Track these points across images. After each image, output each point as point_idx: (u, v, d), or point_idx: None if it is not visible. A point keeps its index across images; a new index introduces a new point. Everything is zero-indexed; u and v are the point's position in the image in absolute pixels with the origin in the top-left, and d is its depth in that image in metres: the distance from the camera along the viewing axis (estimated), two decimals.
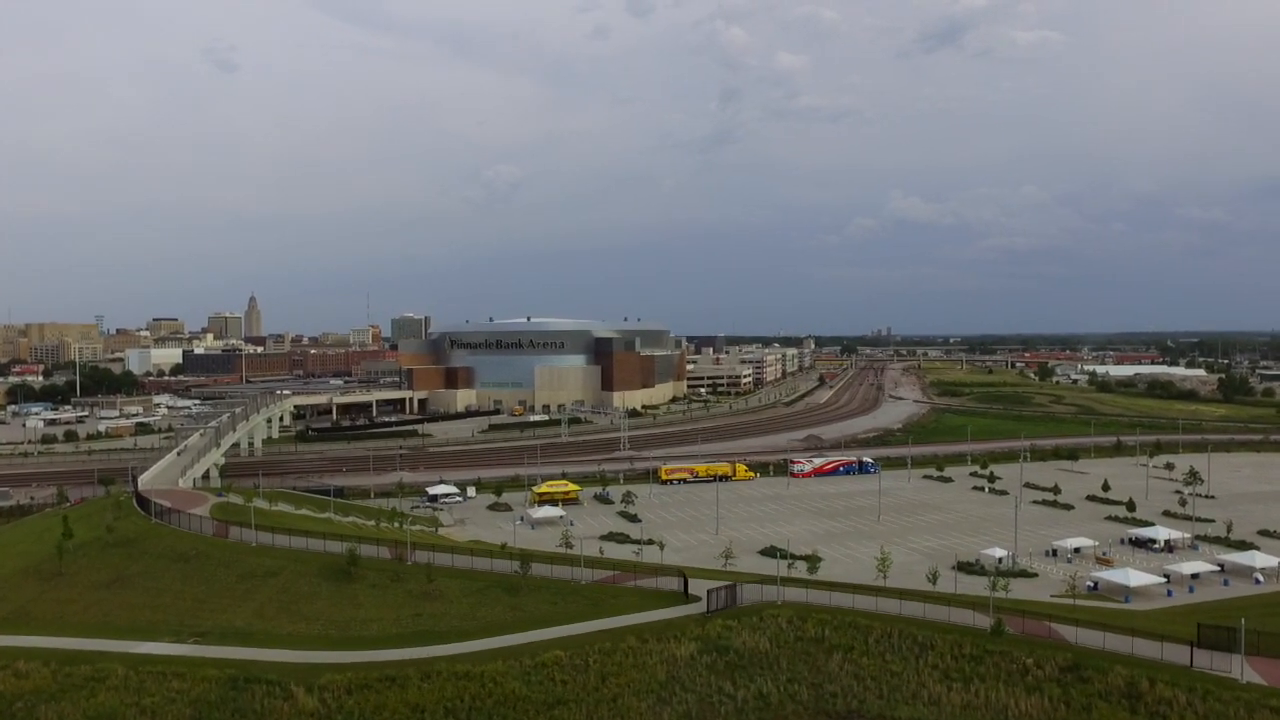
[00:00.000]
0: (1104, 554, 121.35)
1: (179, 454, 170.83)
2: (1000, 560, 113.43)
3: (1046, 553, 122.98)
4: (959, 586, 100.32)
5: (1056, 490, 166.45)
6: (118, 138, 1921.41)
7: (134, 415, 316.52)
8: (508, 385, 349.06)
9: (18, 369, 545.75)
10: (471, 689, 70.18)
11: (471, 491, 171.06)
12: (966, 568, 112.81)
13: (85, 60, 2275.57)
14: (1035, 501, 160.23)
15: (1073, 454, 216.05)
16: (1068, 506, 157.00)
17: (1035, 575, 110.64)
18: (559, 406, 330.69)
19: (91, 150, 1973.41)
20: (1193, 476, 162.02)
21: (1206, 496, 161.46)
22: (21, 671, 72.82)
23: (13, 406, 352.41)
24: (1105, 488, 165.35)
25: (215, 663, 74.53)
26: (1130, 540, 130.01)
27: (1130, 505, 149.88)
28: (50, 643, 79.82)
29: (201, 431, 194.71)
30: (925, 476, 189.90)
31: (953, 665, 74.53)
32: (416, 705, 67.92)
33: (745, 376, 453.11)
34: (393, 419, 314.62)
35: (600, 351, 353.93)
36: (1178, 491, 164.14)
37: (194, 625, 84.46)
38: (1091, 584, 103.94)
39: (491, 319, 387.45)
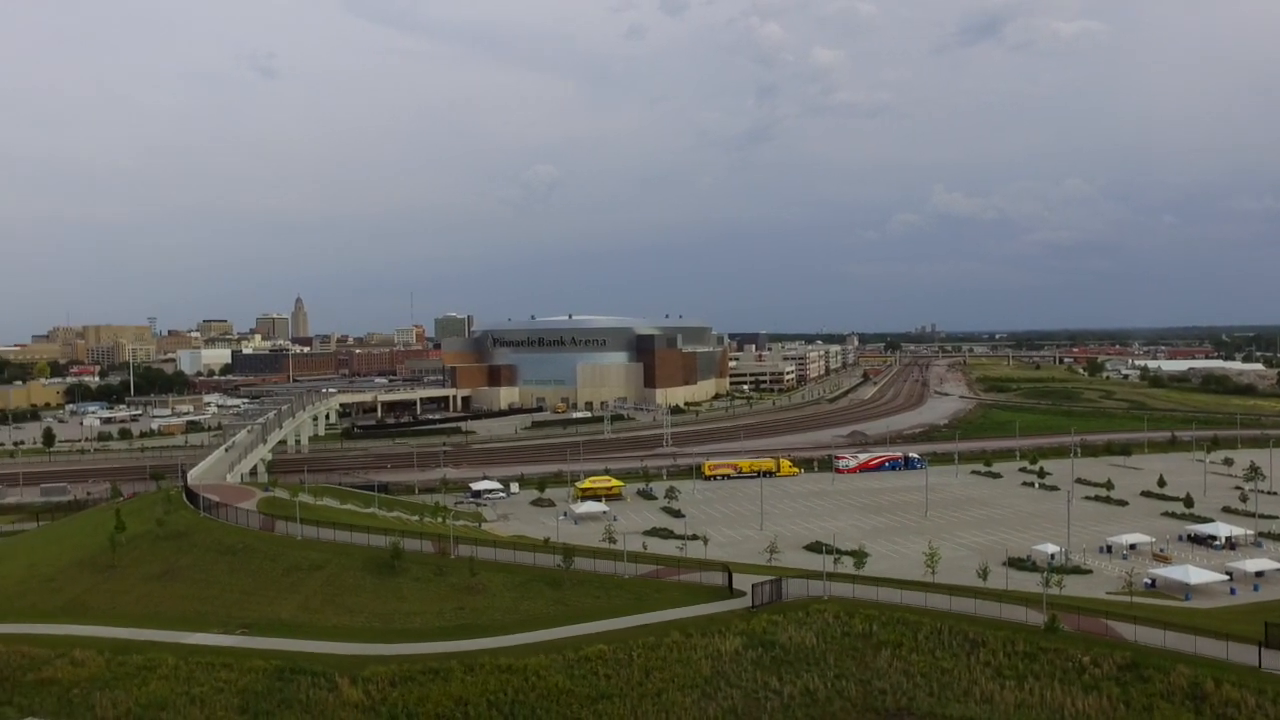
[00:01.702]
0: (1161, 550, 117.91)
1: (227, 450, 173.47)
2: (1053, 556, 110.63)
3: (1100, 549, 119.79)
4: (1010, 583, 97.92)
5: (1109, 486, 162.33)
6: (164, 145, 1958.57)
7: (185, 414, 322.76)
8: (550, 383, 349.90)
9: (76, 370, 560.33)
10: (514, 682, 69.89)
11: (515, 487, 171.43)
12: (1017, 564, 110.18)
13: (131, 72, 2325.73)
14: (1087, 497, 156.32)
15: (1125, 449, 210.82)
16: (1121, 502, 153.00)
17: (1089, 572, 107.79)
18: (601, 404, 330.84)
19: (139, 158, 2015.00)
20: (1254, 472, 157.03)
21: (1269, 493, 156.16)
22: (78, 660, 74.21)
23: (71, 406, 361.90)
24: (1161, 483, 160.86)
25: (262, 654, 75.15)
26: (1189, 537, 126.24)
27: (1188, 501, 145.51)
28: (104, 632, 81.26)
29: (249, 428, 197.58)
30: (973, 472, 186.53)
31: (1005, 663, 72.64)
32: (459, 698, 67.77)
33: (788, 373, 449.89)
34: (436, 417, 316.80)
35: (642, 349, 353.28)
36: (1238, 487, 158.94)
37: (241, 617, 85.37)
38: (1149, 581, 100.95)
39: (534, 317, 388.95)
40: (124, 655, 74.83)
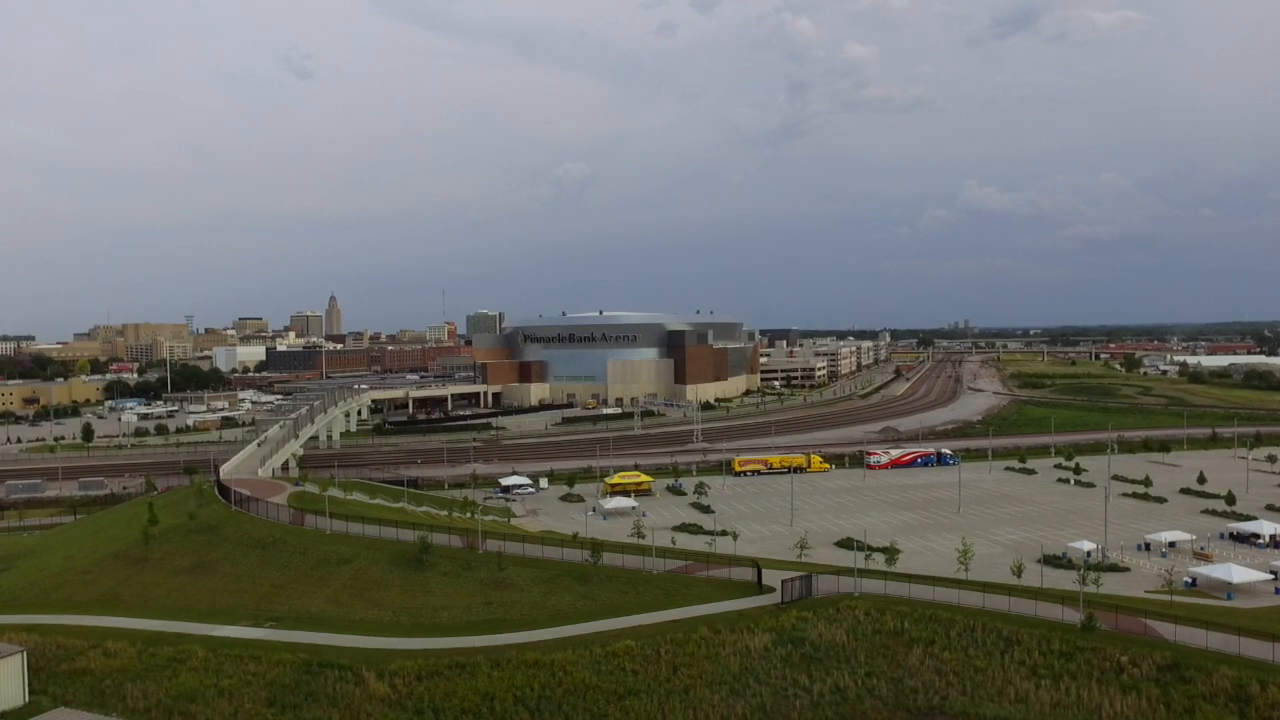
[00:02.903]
0: (1202, 548, 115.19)
1: (259, 445, 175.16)
2: (1089, 554, 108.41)
3: (1139, 547, 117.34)
4: (1045, 580, 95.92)
5: (1147, 483, 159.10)
6: (201, 146, 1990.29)
7: (220, 410, 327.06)
8: (580, 379, 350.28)
9: (115, 367, 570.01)
10: (541, 677, 69.45)
11: (544, 483, 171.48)
12: (1053, 561, 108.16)
13: (171, 75, 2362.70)
14: (1125, 494, 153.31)
15: (1164, 446, 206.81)
16: (1160, 499, 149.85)
17: (1127, 570, 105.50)
18: (632, 399, 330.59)
19: (178, 160, 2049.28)
20: None
21: None
22: (110, 651, 74.84)
23: (110, 402, 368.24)
24: (1201, 480, 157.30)
25: (290, 647, 75.39)
26: (1231, 535, 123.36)
27: (1230, 498, 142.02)
28: (136, 624, 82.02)
29: (281, 424, 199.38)
30: (1007, 468, 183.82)
31: (1041, 661, 71.06)
32: (486, 693, 67.41)
33: (819, 369, 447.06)
34: (467, 413, 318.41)
35: (672, 344, 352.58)
36: None
37: (270, 610, 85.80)
38: (1190, 580, 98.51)
39: (565, 314, 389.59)
40: (155, 647, 75.43)
